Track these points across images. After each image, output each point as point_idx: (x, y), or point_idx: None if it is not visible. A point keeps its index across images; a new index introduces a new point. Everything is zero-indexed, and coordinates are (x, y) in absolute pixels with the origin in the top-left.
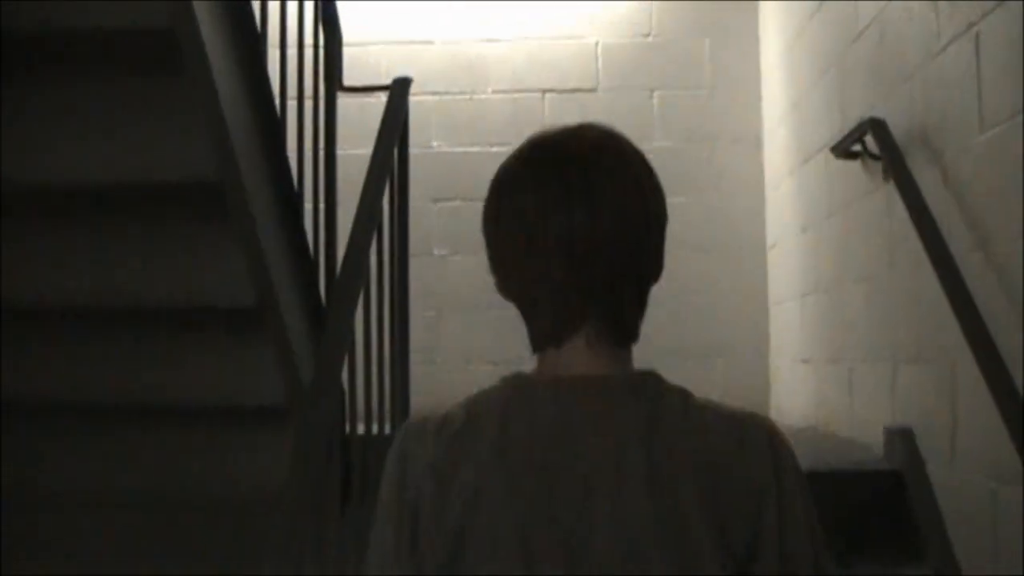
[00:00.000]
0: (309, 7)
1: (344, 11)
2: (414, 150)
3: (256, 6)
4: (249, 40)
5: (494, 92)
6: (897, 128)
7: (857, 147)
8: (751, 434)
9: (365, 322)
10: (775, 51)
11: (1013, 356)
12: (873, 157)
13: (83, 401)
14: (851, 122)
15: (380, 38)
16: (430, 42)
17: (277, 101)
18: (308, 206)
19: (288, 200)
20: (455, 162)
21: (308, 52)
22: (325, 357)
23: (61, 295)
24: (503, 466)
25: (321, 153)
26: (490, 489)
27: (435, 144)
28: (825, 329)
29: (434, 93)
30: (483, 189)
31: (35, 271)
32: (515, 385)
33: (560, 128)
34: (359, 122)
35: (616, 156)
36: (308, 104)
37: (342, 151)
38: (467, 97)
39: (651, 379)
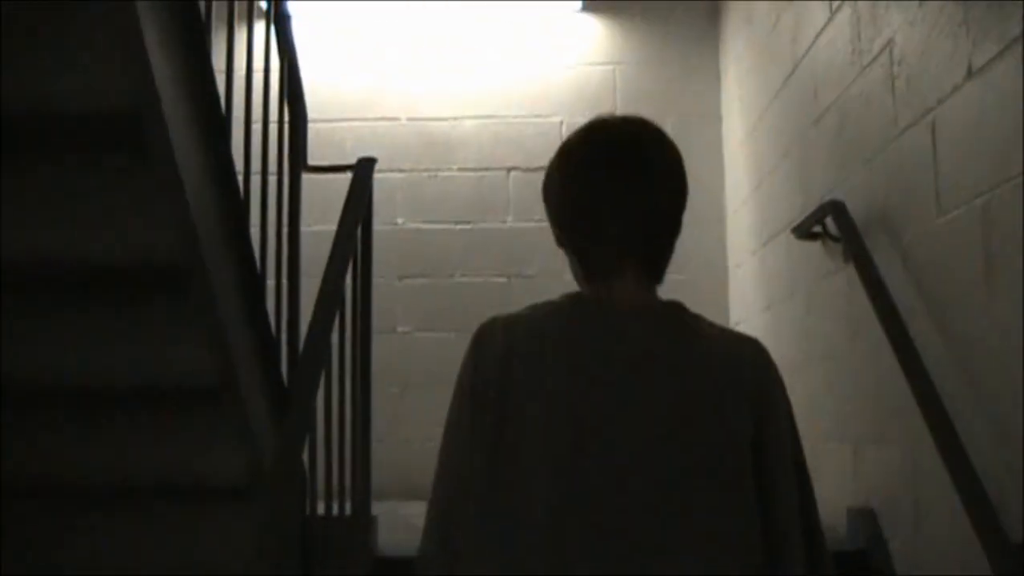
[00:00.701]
0: (274, 83)
1: (309, 88)
2: (379, 227)
3: (220, 84)
4: (213, 119)
5: (460, 170)
6: (857, 210)
7: (818, 228)
8: (754, 347)
9: (327, 400)
10: (738, 133)
11: (972, 437)
12: (834, 239)
13: (40, 481)
14: (813, 203)
15: (346, 115)
16: (396, 119)
17: (240, 179)
18: (271, 282)
19: (250, 279)
20: (420, 239)
21: (273, 128)
22: (286, 443)
23: (20, 374)
24: (560, 360)
25: (284, 232)
26: (550, 378)
27: (400, 221)
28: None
29: (400, 170)
30: (448, 266)
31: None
32: (575, 301)
33: (616, 116)
34: (323, 198)
35: (660, 141)
36: (272, 180)
37: (306, 227)
38: (432, 174)
39: (677, 305)
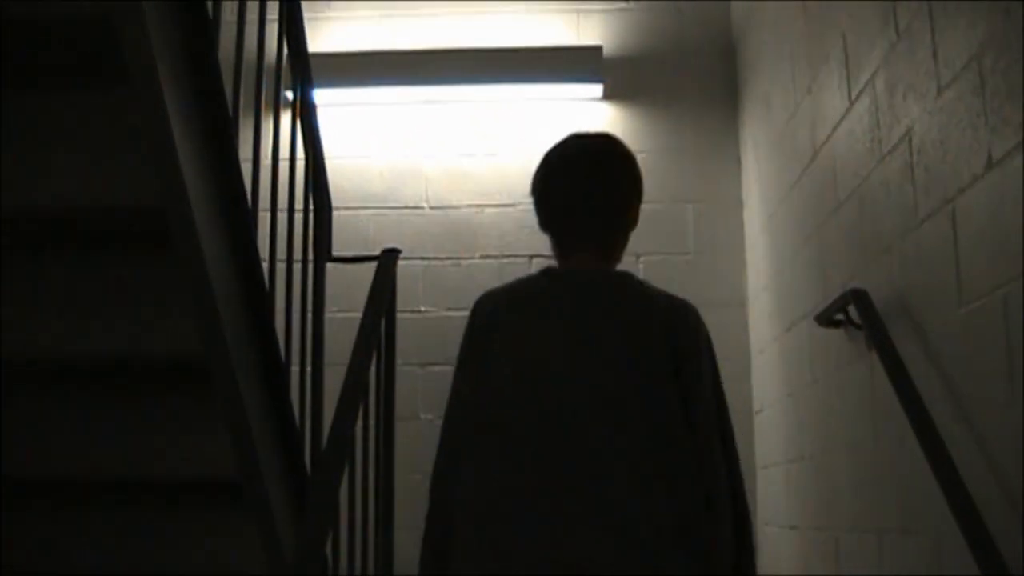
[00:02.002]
0: (299, 171)
1: (333, 175)
2: (402, 315)
3: (245, 172)
4: (239, 209)
5: (482, 257)
6: (879, 298)
7: (840, 316)
8: (686, 307)
9: (350, 489)
10: (758, 219)
11: (999, 528)
12: (856, 326)
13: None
14: (833, 290)
15: (369, 202)
16: (419, 207)
17: (265, 268)
18: (295, 368)
19: (274, 369)
20: (443, 326)
21: (297, 217)
22: (308, 536)
23: (45, 468)
24: (532, 308)
25: (309, 322)
26: (523, 320)
27: (423, 308)
28: (811, 496)
29: (423, 258)
30: None
31: (18, 443)
32: (546, 271)
33: (591, 132)
34: (346, 285)
35: (622, 155)
36: (296, 268)
37: (329, 314)
38: (455, 262)
39: (627, 274)
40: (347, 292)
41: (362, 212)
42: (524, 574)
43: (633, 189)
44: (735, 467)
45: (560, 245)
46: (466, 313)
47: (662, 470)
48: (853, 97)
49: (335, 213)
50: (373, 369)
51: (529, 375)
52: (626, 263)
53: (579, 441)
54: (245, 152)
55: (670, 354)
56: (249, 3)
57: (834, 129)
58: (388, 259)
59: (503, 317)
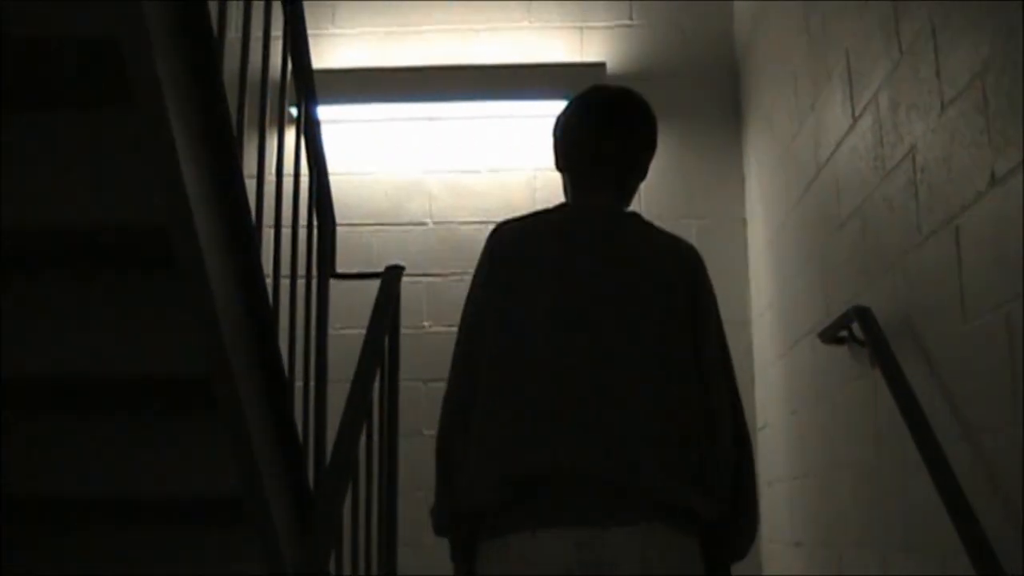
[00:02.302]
0: (302, 187)
1: (336, 191)
2: (405, 330)
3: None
4: (243, 227)
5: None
6: (882, 316)
7: (844, 333)
8: (687, 245)
9: (353, 506)
10: (762, 236)
11: (1003, 546)
12: (859, 344)
13: None
14: (837, 307)
15: (372, 218)
16: (423, 223)
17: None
18: (299, 383)
19: (277, 386)
20: (447, 342)
21: (301, 233)
22: (312, 554)
23: (45, 487)
24: (552, 236)
25: (312, 339)
26: (544, 246)
27: (426, 324)
28: (815, 513)
29: (426, 274)
30: None
31: (17, 462)
32: (562, 206)
33: (612, 85)
34: (349, 301)
35: (636, 105)
36: (299, 284)
37: (333, 330)
38: (459, 278)
39: (636, 213)
40: (350, 308)
41: (365, 228)
42: (546, 473)
43: (647, 139)
44: (736, 397)
45: (576, 186)
46: None
47: (673, 392)
48: (856, 115)
49: (339, 229)
50: (377, 386)
51: (553, 298)
52: None
53: (600, 365)
54: (249, 168)
55: (684, 290)
56: (254, 20)
57: (837, 147)
58: (391, 276)
59: (522, 244)
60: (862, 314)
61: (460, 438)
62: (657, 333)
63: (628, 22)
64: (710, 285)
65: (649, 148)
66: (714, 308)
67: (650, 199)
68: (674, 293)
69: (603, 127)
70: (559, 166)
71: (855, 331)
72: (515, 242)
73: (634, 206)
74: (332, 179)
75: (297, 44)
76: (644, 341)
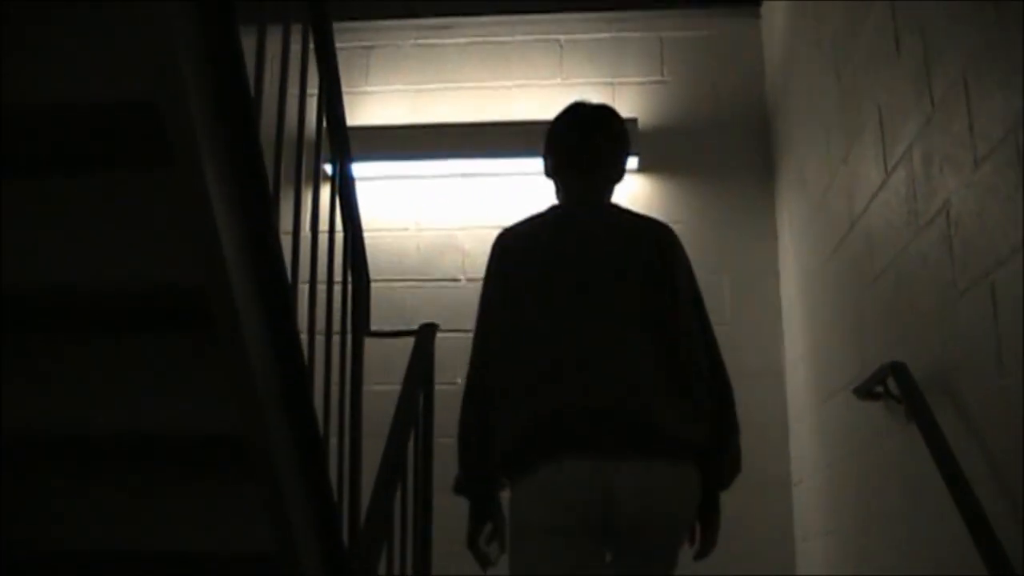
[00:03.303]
0: (337, 243)
1: (371, 250)
2: (438, 386)
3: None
4: (278, 286)
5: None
6: (918, 370)
7: (879, 388)
8: (661, 224)
9: (387, 563)
10: (795, 289)
11: None
12: (895, 399)
13: None
14: (871, 361)
15: (406, 275)
16: (456, 280)
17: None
18: (333, 440)
19: (312, 444)
20: None
21: (336, 289)
22: None
23: (80, 544)
24: (546, 232)
25: (347, 397)
26: (539, 241)
27: (459, 380)
28: (851, 569)
29: (460, 330)
30: None
31: (54, 519)
32: (553, 207)
33: (583, 102)
34: (384, 356)
35: (607, 116)
36: (334, 340)
37: (367, 387)
38: None
39: (614, 204)
40: (384, 364)
41: (399, 284)
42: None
43: (619, 144)
44: (711, 334)
45: (562, 188)
46: None
47: (663, 342)
48: (889, 169)
49: (372, 286)
50: (411, 443)
51: (552, 277)
52: None
53: (594, 329)
54: (284, 224)
55: (658, 255)
56: (289, 78)
57: (870, 201)
58: (426, 334)
59: (522, 240)
60: (898, 370)
61: (473, 417)
62: (642, 294)
63: (660, 78)
64: (680, 248)
65: (622, 150)
66: (686, 272)
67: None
68: (651, 260)
69: (581, 138)
70: (548, 174)
71: (890, 386)
72: (515, 239)
73: None
74: (366, 235)
75: (332, 102)
76: (633, 302)
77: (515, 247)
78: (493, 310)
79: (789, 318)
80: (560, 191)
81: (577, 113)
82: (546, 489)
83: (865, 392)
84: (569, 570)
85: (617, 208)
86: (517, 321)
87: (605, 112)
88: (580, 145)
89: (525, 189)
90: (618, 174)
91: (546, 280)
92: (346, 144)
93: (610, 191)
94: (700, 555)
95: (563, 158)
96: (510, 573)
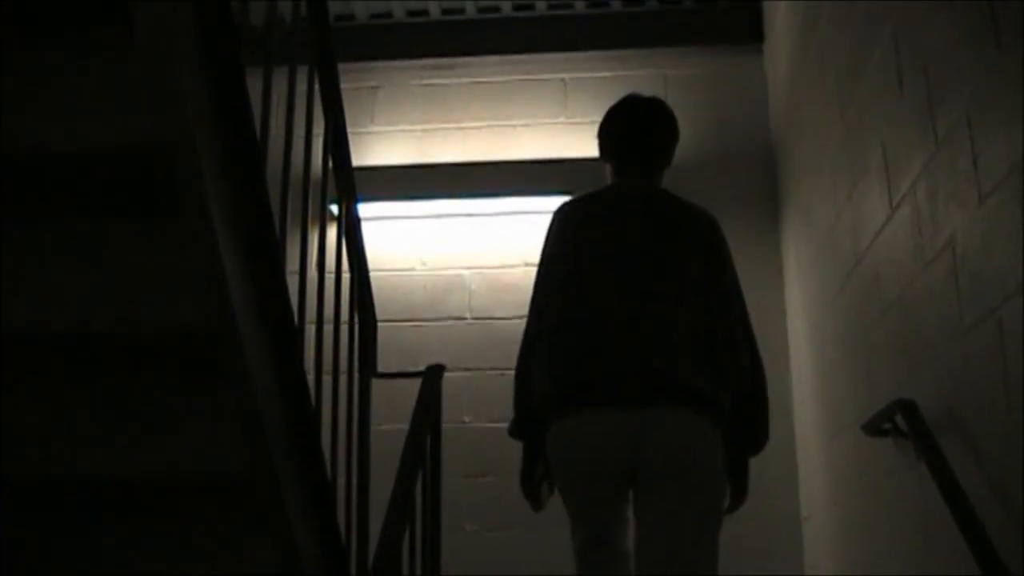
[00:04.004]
0: (343, 283)
1: (377, 290)
2: (445, 425)
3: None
4: (286, 328)
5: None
6: (926, 406)
7: (887, 425)
8: (704, 210)
9: None
10: (802, 326)
11: None
12: (904, 435)
13: None
14: (879, 398)
15: (412, 314)
16: (463, 319)
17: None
18: (341, 479)
19: (320, 486)
20: (487, 437)
21: (343, 329)
22: None
23: None
24: (600, 206)
25: (355, 437)
26: (594, 213)
27: (467, 420)
28: None
29: (466, 369)
30: (515, 464)
31: (53, 560)
32: (609, 186)
33: (637, 95)
34: (390, 397)
35: (659, 106)
36: (341, 380)
37: (374, 426)
38: (499, 373)
39: (664, 189)
40: (391, 403)
41: (406, 324)
42: (602, 372)
43: (671, 132)
44: (746, 317)
45: (617, 172)
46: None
47: (699, 312)
48: (894, 204)
49: (379, 325)
50: (419, 485)
51: (605, 249)
52: None
53: (642, 297)
54: (290, 264)
55: (703, 237)
56: (294, 118)
57: (876, 237)
58: (433, 375)
59: (582, 211)
60: (906, 407)
61: (528, 363)
62: (683, 269)
63: None
64: (723, 236)
65: (673, 138)
66: (726, 251)
67: None
68: (696, 240)
69: (635, 125)
70: (603, 157)
71: (899, 423)
72: (574, 210)
73: None
74: (372, 276)
75: (338, 143)
76: (674, 274)
77: (575, 216)
78: (552, 271)
79: (796, 354)
80: (613, 175)
81: (632, 103)
82: (585, 430)
83: (873, 429)
84: (589, 507)
85: (666, 192)
86: (572, 281)
87: (657, 103)
88: (636, 132)
89: (531, 228)
90: (667, 160)
91: (603, 250)
92: (352, 185)
93: (661, 176)
94: (730, 509)
95: (621, 144)
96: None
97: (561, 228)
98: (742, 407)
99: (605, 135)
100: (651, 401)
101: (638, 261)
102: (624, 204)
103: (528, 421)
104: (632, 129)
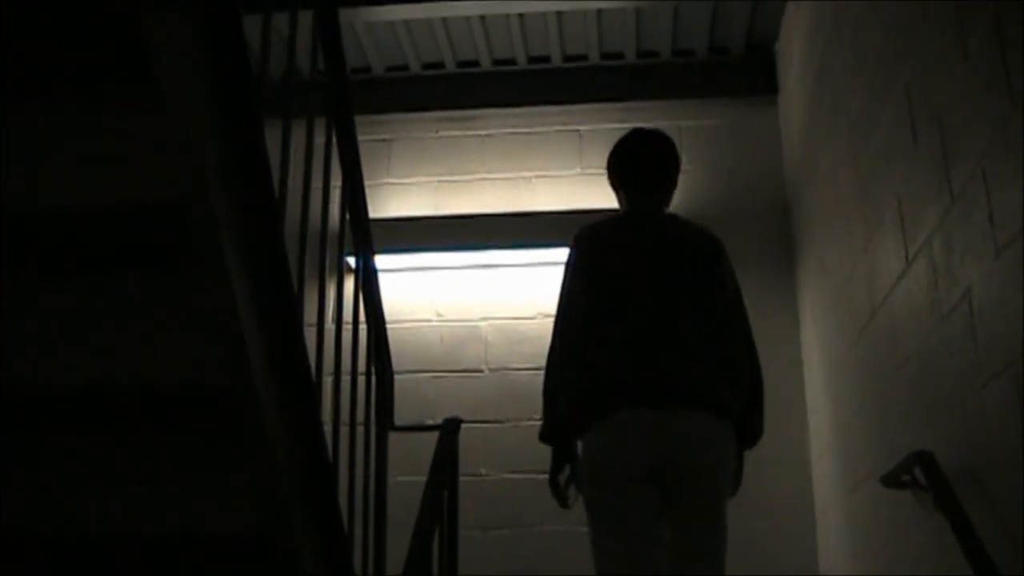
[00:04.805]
0: (360, 334)
1: (394, 342)
2: (462, 478)
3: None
4: (303, 385)
5: (542, 419)
6: (945, 459)
7: (906, 477)
8: (712, 234)
9: None
10: (819, 378)
11: None
12: (923, 488)
13: None
14: (898, 450)
15: (429, 366)
16: (479, 371)
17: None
18: (358, 531)
19: (337, 539)
20: (503, 490)
21: (360, 381)
22: None
23: None
24: (618, 233)
25: (371, 490)
26: (611, 240)
27: (483, 472)
28: None
29: (483, 421)
30: (532, 517)
31: None
32: (623, 213)
33: (642, 128)
34: (406, 449)
35: (669, 142)
36: (357, 430)
37: (391, 478)
38: (514, 425)
39: (673, 214)
40: (409, 455)
41: (422, 376)
42: (626, 381)
43: (676, 158)
44: (748, 329)
45: (628, 199)
46: (526, 476)
47: (712, 328)
48: (910, 258)
49: (396, 377)
50: (436, 539)
51: (626, 267)
52: None
53: (658, 309)
54: (307, 316)
55: (711, 259)
56: (312, 170)
57: (892, 289)
58: (450, 428)
59: (600, 235)
60: (924, 459)
61: (558, 373)
62: (695, 285)
63: None
64: (726, 255)
65: (678, 163)
66: (728, 267)
67: None
68: (705, 261)
69: (644, 154)
70: (615, 186)
71: (917, 475)
72: (593, 234)
73: None
74: (389, 327)
75: (355, 196)
76: (688, 291)
77: (595, 240)
78: (575, 290)
79: (814, 406)
80: (625, 201)
81: (639, 134)
82: (623, 428)
83: (892, 481)
84: (626, 509)
85: (675, 216)
86: (596, 300)
87: (660, 133)
88: (645, 160)
89: (547, 279)
90: (674, 184)
91: (621, 268)
92: (369, 237)
93: (669, 199)
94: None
95: (631, 174)
96: (587, 515)
97: (582, 251)
98: (745, 408)
99: (617, 164)
100: (682, 404)
101: (655, 278)
102: (639, 225)
103: (558, 426)
104: (642, 157)
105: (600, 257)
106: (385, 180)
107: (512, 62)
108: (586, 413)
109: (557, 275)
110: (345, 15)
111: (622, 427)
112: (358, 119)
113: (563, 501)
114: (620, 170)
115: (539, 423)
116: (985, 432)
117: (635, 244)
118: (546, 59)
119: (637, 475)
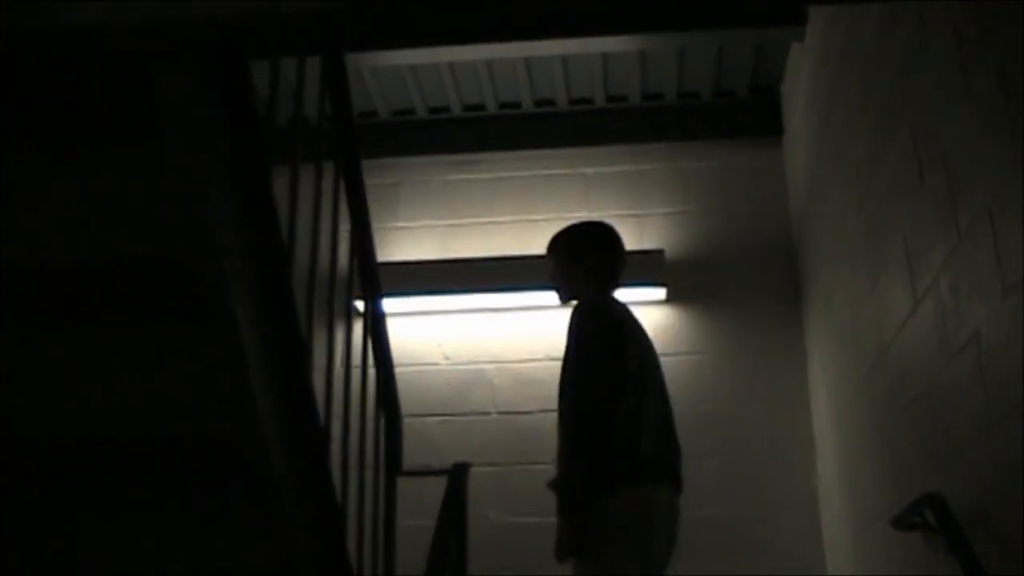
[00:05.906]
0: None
1: (402, 385)
2: (470, 521)
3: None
4: (311, 431)
5: (551, 462)
6: (956, 501)
7: (916, 519)
8: None
9: None
10: (826, 418)
11: None
12: (934, 530)
13: None
14: (907, 491)
15: (437, 409)
16: (487, 413)
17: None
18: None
19: None
20: (512, 533)
21: (368, 425)
22: None
23: None
24: (631, 316)
25: (380, 535)
26: (631, 322)
27: (492, 515)
28: None
29: (491, 464)
30: (541, 561)
31: None
32: (614, 299)
33: (601, 222)
34: (415, 492)
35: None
36: (364, 473)
37: (400, 522)
38: (523, 468)
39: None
40: (416, 499)
41: (430, 419)
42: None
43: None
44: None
45: (606, 283)
46: (535, 519)
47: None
48: (918, 298)
49: (404, 420)
50: None
51: (646, 353)
52: (694, 456)
53: (663, 390)
54: (316, 360)
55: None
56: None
57: (900, 329)
58: (459, 474)
59: (623, 316)
60: (935, 501)
61: (596, 432)
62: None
63: (684, 209)
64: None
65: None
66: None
67: (711, 383)
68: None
69: (617, 246)
70: (597, 265)
71: (928, 517)
72: (620, 314)
73: (695, 389)
74: (397, 371)
75: (363, 241)
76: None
77: (623, 320)
78: (617, 359)
79: (822, 447)
80: (607, 287)
81: (612, 233)
82: (653, 501)
83: (902, 524)
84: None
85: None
86: (637, 379)
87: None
88: (622, 256)
89: (554, 322)
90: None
91: (644, 351)
92: (377, 281)
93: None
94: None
95: (616, 273)
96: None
97: (621, 329)
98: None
99: (615, 255)
100: (678, 490)
101: (658, 368)
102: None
103: (588, 483)
104: (622, 255)
105: (630, 338)
106: (393, 224)
107: (517, 105)
108: (634, 475)
109: (563, 318)
110: (352, 61)
111: (664, 500)
112: (365, 163)
113: (564, 558)
114: (615, 266)
115: (549, 466)
116: (995, 473)
117: (643, 333)
118: (551, 102)
119: (667, 546)
